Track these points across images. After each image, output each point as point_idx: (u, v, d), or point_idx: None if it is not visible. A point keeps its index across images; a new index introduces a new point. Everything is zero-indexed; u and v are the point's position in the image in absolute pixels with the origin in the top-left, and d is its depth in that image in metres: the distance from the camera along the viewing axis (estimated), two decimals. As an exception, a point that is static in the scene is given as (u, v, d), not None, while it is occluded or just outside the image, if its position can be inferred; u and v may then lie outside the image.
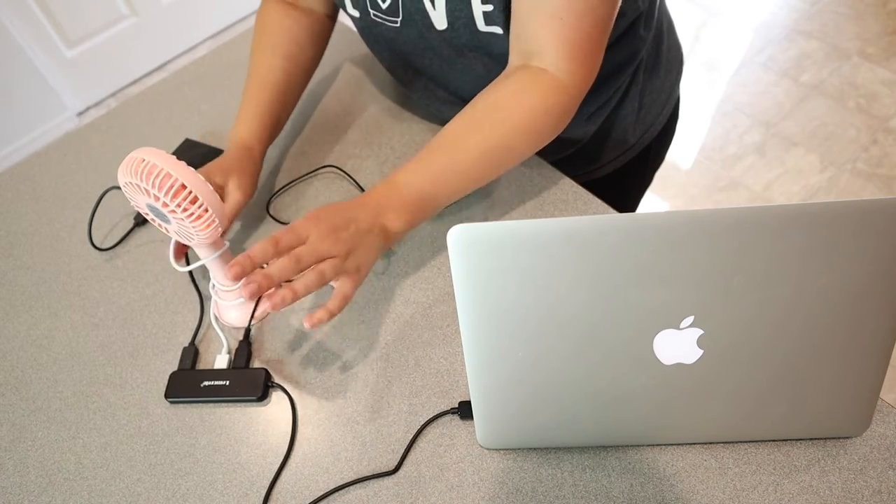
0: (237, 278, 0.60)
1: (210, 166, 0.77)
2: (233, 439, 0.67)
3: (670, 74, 0.93)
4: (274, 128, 0.82)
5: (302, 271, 0.62)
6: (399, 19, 0.74)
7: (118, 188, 0.85)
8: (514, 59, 0.69)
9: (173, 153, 0.89)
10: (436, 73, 0.82)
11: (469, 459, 0.63)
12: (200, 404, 0.69)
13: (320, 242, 0.63)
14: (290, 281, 0.62)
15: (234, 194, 0.74)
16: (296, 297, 0.61)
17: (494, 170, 0.70)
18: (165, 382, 0.71)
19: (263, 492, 0.63)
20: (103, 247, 0.84)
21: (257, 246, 0.61)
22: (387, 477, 0.63)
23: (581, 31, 0.64)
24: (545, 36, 0.64)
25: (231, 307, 0.74)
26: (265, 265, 0.65)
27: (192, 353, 0.72)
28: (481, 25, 0.68)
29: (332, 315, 0.63)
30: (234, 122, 0.81)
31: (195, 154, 0.90)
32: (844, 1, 2.44)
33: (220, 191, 0.74)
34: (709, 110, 2.19)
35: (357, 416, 0.67)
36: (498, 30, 0.68)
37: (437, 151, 0.68)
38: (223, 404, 0.69)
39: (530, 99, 0.67)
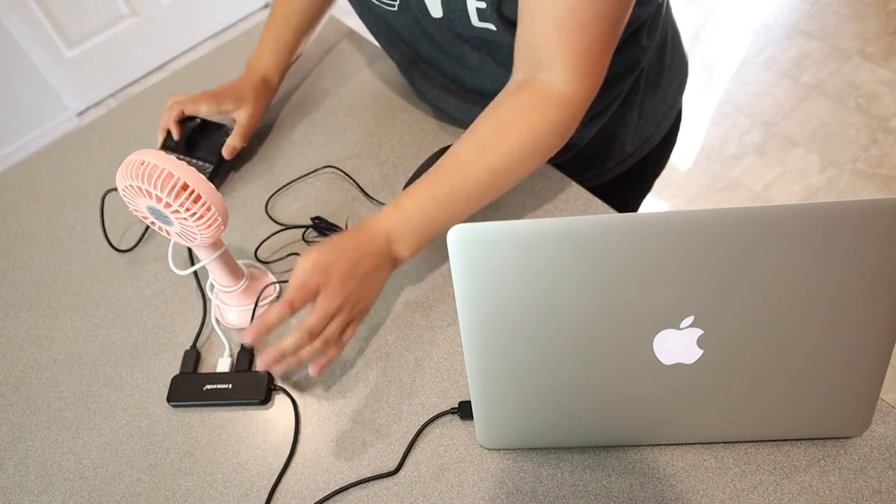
0: (253, 344, 0.63)
1: (223, 92, 0.87)
2: (233, 440, 0.67)
3: (672, 85, 0.91)
4: (289, 62, 0.93)
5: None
6: (396, 3, 0.74)
7: (116, 190, 0.85)
8: (518, 68, 0.68)
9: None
10: (433, 59, 0.82)
11: (469, 459, 0.63)
12: (201, 406, 0.69)
13: (330, 303, 0.63)
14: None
15: (245, 120, 0.86)
16: (318, 372, 0.65)
17: (500, 191, 0.70)
18: (166, 383, 0.71)
19: (263, 493, 0.63)
20: (122, 248, 0.84)
21: (273, 312, 0.61)
22: (388, 478, 0.63)
23: (586, 41, 0.63)
24: (550, 45, 0.64)
25: (231, 308, 0.74)
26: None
27: (193, 356, 0.72)
28: (475, 21, 0.69)
29: (333, 360, 0.66)
30: (255, 54, 0.91)
31: (186, 127, 0.90)
32: (844, 1, 2.44)
33: (232, 115, 0.87)
34: (709, 110, 2.19)
35: (357, 417, 0.67)
36: (491, 27, 0.68)
37: (444, 177, 0.68)
38: (224, 406, 0.69)
39: (534, 119, 0.66)
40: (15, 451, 0.69)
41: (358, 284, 0.64)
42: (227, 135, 0.88)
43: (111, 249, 0.84)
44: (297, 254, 0.80)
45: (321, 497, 0.62)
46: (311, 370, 0.64)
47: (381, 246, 0.66)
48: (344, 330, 0.65)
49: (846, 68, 2.23)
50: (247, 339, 0.62)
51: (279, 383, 0.70)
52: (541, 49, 0.65)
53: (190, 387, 0.70)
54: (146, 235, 0.85)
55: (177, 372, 0.71)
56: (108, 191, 0.84)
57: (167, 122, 0.88)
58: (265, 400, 0.68)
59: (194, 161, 0.88)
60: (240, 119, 0.87)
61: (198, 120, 0.90)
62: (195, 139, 0.89)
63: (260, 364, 0.62)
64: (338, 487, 0.62)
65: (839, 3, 2.44)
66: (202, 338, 0.75)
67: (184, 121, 0.89)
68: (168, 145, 0.89)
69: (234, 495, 0.63)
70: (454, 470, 0.63)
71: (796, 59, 2.29)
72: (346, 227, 0.81)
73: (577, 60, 0.64)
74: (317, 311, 0.63)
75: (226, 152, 0.86)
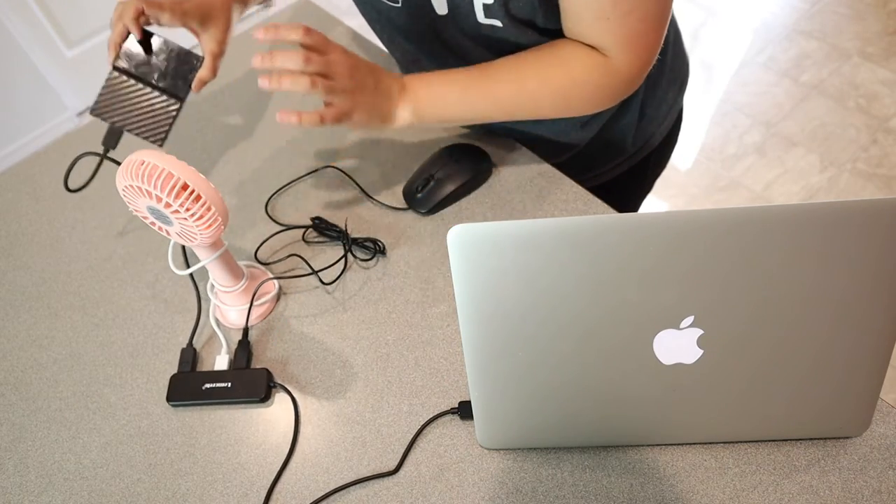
0: (257, 36, 0.65)
1: (189, 8, 0.74)
2: (233, 439, 0.67)
3: (673, 86, 0.91)
4: None
5: (303, 72, 0.65)
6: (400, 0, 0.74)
7: (91, 154, 0.78)
8: None
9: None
10: (436, 57, 0.82)
11: (469, 459, 0.63)
12: (201, 405, 0.69)
13: (336, 64, 0.66)
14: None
15: (215, 47, 0.76)
16: (271, 86, 0.64)
17: (516, 114, 0.73)
18: (166, 382, 0.71)
19: (263, 492, 0.63)
20: (74, 187, 0.78)
21: (287, 24, 0.65)
22: (387, 477, 0.63)
23: (630, 27, 0.65)
24: (595, 36, 0.66)
25: (231, 308, 0.74)
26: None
27: (190, 353, 0.72)
28: (481, 17, 0.69)
29: (299, 120, 0.66)
30: None
31: (151, 52, 0.77)
32: (844, 1, 2.44)
33: (197, 37, 0.76)
34: (709, 110, 2.19)
35: (357, 416, 0.67)
36: (497, 23, 0.69)
37: (476, 74, 0.71)
38: (224, 405, 0.69)
39: (577, 69, 0.69)
40: (15, 451, 0.69)
41: (363, 83, 0.68)
42: (199, 63, 0.77)
43: (111, 249, 0.84)
44: (297, 255, 0.80)
45: (320, 496, 0.62)
46: (280, 116, 0.66)
47: (394, 90, 0.70)
48: (329, 104, 0.67)
49: (846, 68, 2.23)
50: (258, 32, 0.65)
51: (278, 380, 0.70)
52: (589, 38, 0.67)
53: (189, 386, 0.70)
54: (145, 235, 0.85)
55: (176, 371, 0.72)
56: (82, 154, 0.78)
57: (122, 23, 0.73)
58: (265, 398, 0.68)
59: (158, 94, 0.77)
60: (208, 47, 0.76)
61: (163, 43, 0.77)
62: (160, 67, 0.77)
63: (259, 33, 0.64)
64: (336, 486, 0.62)
65: (839, 3, 2.44)
66: (198, 335, 0.75)
67: (149, 44, 0.77)
68: (123, 68, 0.76)
69: (234, 495, 0.63)
70: (454, 470, 0.63)
71: (796, 59, 2.29)
72: (346, 227, 0.81)
73: (627, 44, 0.66)
74: (324, 58, 0.65)
75: (196, 86, 0.77)
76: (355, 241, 0.79)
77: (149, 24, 0.76)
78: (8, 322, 0.79)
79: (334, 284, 0.77)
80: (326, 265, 0.78)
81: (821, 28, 2.37)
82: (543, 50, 0.71)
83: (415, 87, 0.72)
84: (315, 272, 0.77)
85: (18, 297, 0.81)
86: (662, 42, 0.69)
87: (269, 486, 0.63)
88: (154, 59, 0.77)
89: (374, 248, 0.78)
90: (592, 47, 0.69)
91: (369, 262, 0.78)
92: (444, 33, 0.76)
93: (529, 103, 0.72)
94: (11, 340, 0.77)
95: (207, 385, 0.69)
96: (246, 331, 0.73)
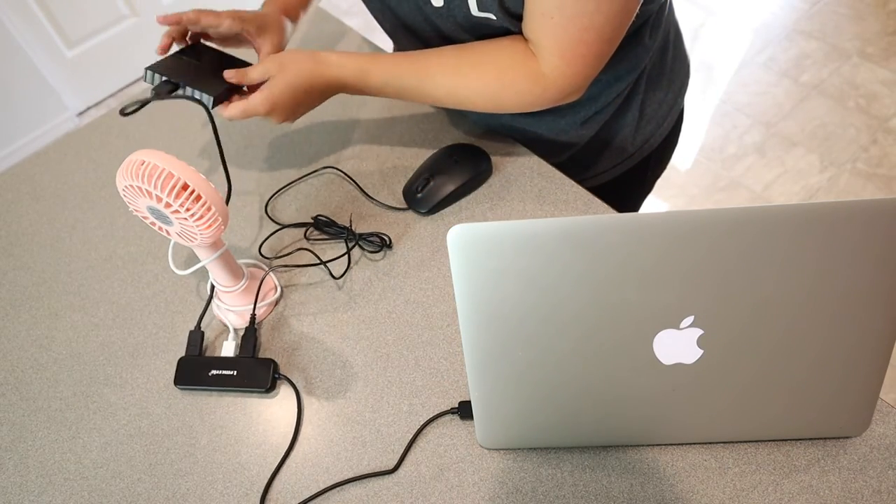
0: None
1: (248, 16, 0.82)
2: (233, 439, 0.67)
3: (674, 86, 0.91)
4: (307, 3, 0.91)
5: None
6: None
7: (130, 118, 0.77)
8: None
9: (178, 54, 0.79)
10: (435, 46, 0.81)
11: (469, 459, 0.63)
12: (202, 397, 0.70)
13: (263, 111, 0.74)
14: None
15: (267, 49, 0.81)
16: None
17: (445, 105, 0.77)
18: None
19: (262, 489, 0.63)
20: (127, 111, 0.73)
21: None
22: (386, 476, 0.63)
23: (571, 33, 0.65)
24: (537, 31, 0.67)
25: (231, 309, 0.74)
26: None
27: (198, 337, 0.73)
28: (474, 10, 0.69)
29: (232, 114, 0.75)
30: None
31: (204, 55, 0.81)
32: (844, 1, 2.44)
33: (254, 41, 0.82)
34: (709, 110, 2.19)
35: (357, 416, 0.67)
36: (491, 16, 0.69)
37: (414, 71, 0.75)
38: (226, 397, 0.69)
39: (508, 77, 0.71)
40: (15, 451, 0.69)
41: (291, 114, 0.76)
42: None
43: (111, 249, 0.84)
44: (305, 248, 0.80)
45: (317, 491, 0.62)
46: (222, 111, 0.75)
47: (331, 93, 0.77)
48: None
49: (846, 68, 2.23)
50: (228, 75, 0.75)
51: (283, 372, 0.70)
52: (531, 34, 0.68)
53: (196, 370, 0.70)
54: (144, 234, 0.84)
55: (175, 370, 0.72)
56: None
57: (177, 23, 0.80)
58: (270, 388, 0.69)
59: (198, 93, 0.76)
60: (265, 50, 0.81)
61: (214, 52, 0.81)
62: (212, 70, 0.78)
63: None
64: (334, 483, 0.62)
65: (839, 3, 2.44)
66: (206, 320, 0.75)
67: (204, 50, 0.81)
68: (164, 75, 0.76)
69: (234, 494, 0.63)
70: (454, 470, 0.63)
71: (796, 59, 2.29)
72: (351, 224, 0.81)
73: (562, 50, 0.67)
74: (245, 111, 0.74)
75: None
76: (361, 237, 0.79)
77: (208, 38, 0.82)
78: (8, 322, 0.79)
79: (334, 284, 0.77)
80: (329, 261, 0.78)
81: (821, 28, 2.37)
82: (482, 54, 0.73)
83: (352, 87, 0.76)
84: (323, 262, 0.77)
85: (18, 297, 0.81)
86: (602, 63, 0.69)
87: (266, 481, 0.63)
88: (209, 68, 0.79)
89: (382, 243, 0.78)
90: (533, 53, 0.70)
91: (375, 254, 0.78)
92: (441, 25, 0.76)
93: (458, 103, 0.76)
94: (11, 340, 0.77)
95: (214, 371, 0.70)
96: (253, 318, 0.73)
